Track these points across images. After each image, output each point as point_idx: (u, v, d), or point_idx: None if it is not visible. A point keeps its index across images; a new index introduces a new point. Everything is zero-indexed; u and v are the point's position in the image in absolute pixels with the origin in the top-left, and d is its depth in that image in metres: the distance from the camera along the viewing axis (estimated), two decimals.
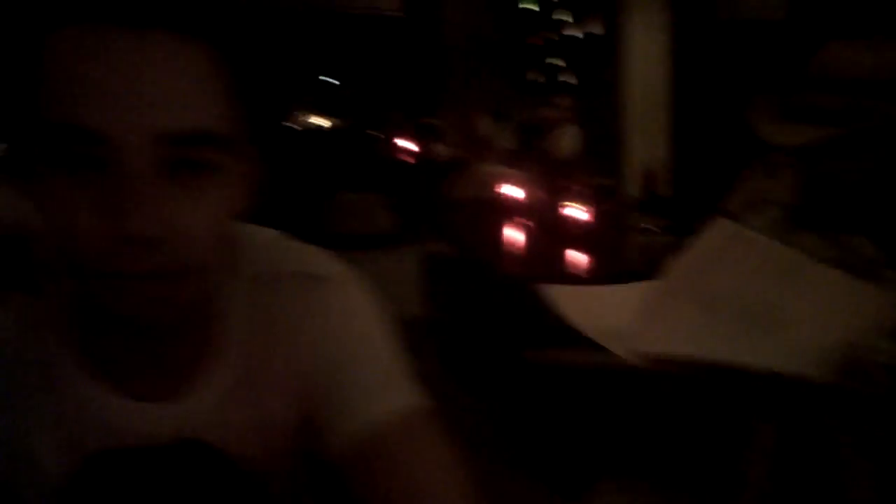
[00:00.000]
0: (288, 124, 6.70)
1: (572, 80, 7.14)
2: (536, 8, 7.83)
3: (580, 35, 6.99)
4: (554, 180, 3.15)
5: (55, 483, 0.75)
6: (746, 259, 1.46)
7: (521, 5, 7.90)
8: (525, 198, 3.13)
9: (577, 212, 2.80)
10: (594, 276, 2.65)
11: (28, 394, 0.74)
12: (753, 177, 3.17)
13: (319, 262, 0.84)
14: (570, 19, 7.13)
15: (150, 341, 0.74)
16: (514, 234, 3.06)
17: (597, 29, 6.71)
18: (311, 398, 0.80)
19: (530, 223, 3.08)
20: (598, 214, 2.90)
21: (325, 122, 7.12)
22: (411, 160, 6.11)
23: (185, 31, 0.64)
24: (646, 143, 6.11)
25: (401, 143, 6.19)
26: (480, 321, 2.58)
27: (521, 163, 4.75)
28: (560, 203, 2.93)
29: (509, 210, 3.17)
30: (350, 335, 0.80)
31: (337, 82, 9.17)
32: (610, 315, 1.38)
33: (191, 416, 0.77)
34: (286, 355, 0.80)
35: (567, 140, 5.73)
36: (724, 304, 1.39)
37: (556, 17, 7.41)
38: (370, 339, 0.81)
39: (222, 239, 0.69)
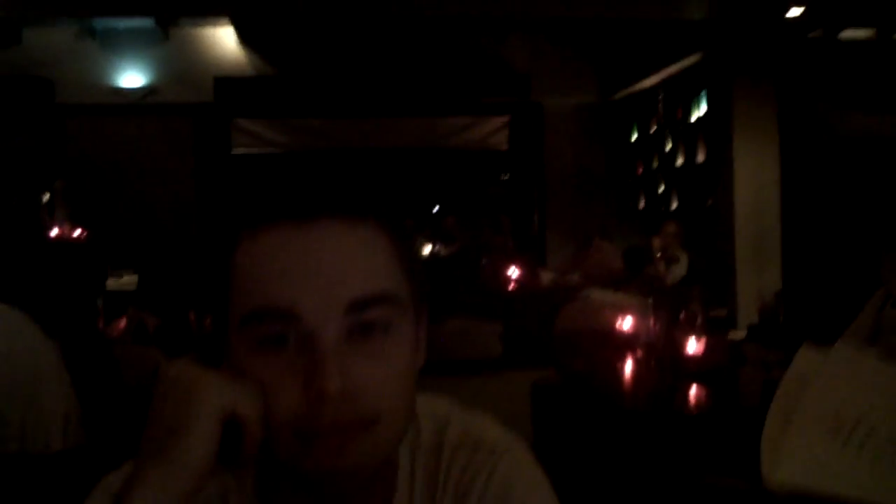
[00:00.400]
0: None
1: (675, 207, 7.18)
2: (633, 137, 8.01)
3: (680, 163, 7.08)
4: (665, 310, 3.13)
5: None
6: (871, 386, 1.46)
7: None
8: (636, 328, 3.13)
9: (689, 344, 2.77)
10: (707, 411, 2.59)
11: None
12: (877, 305, 3.08)
13: (484, 430, 0.87)
14: (669, 147, 7.26)
15: (332, 501, 0.79)
16: (624, 365, 3.04)
17: (699, 156, 6.78)
18: None
19: (641, 354, 3.06)
20: (711, 347, 2.86)
21: (428, 248, 7.30)
22: (516, 286, 6.16)
23: (351, 213, 0.74)
24: (757, 269, 6.01)
25: (505, 268, 6.27)
26: (589, 451, 2.54)
27: (629, 289, 4.74)
28: (672, 335, 2.91)
29: (620, 341, 3.16)
30: (512, 502, 0.81)
31: (436, 207, 9.53)
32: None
33: None
34: None
35: (674, 267, 5.71)
36: (856, 433, 1.38)
37: (655, 145, 7.57)
38: None
39: (402, 393, 0.75)
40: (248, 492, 0.81)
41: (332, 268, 0.71)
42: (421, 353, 0.79)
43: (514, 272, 6.23)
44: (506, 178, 9.10)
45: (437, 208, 9.63)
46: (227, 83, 7.67)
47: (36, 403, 1.93)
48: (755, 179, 6.18)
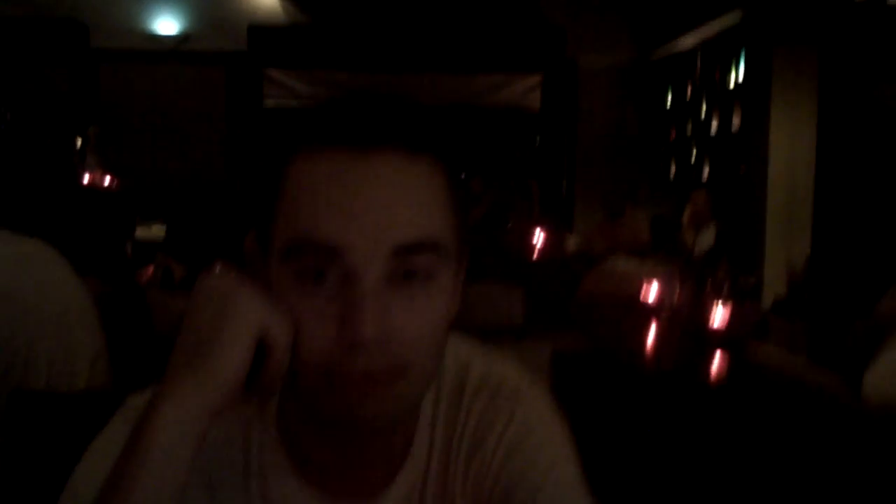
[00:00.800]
0: None
1: (707, 176, 7.09)
2: (668, 101, 7.89)
3: (714, 129, 6.97)
4: (691, 278, 3.11)
5: None
6: None
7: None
8: (662, 294, 3.11)
9: (716, 310, 2.75)
10: (729, 380, 2.58)
11: (236, 485, 0.80)
12: None
13: (505, 375, 0.86)
14: (704, 113, 7.14)
15: (353, 443, 0.79)
16: (648, 332, 3.03)
17: (735, 123, 6.66)
18: None
19: (667, 320, 3.04)
20: (737, 313, 2.84)
21: None
22: (541, 252, 6.14)
23: (411, 148, 0.70)
24: (787, 239, 5.93)
25: (530, 233, 6.25)
26: (609, 418, 2.54)
27: (656, 258, 4.70)
28: (697, 302, 2.89)
29: (646, 307, 3.15)
30: (530, 446, 0.81)
31: (463, 174, 9.48)
32: None
33: None
34: (468, 462, 0.82)
35: (703, 235, 5.65)
36: None
37: (690, 110, 7.45)
38: (549, 451, 0.81)
39: (435, 343, 0.73)
40: (269, 423, 0.81)
41: (383, 207, 0.67)
42: (456, 302, 0.76)
43: (539, 237, 6.19)
44: (536, 143, 9.02)
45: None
46: (260, 32, 7.63)
47: (64, 340, 1.95)
48: (790, 149, 6.06)
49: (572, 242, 6.40)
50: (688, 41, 7.28)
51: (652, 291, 3.14)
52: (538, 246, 6.14)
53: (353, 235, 0.67)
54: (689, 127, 7.52)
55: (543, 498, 0.78)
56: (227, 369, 0.67)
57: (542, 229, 6.23)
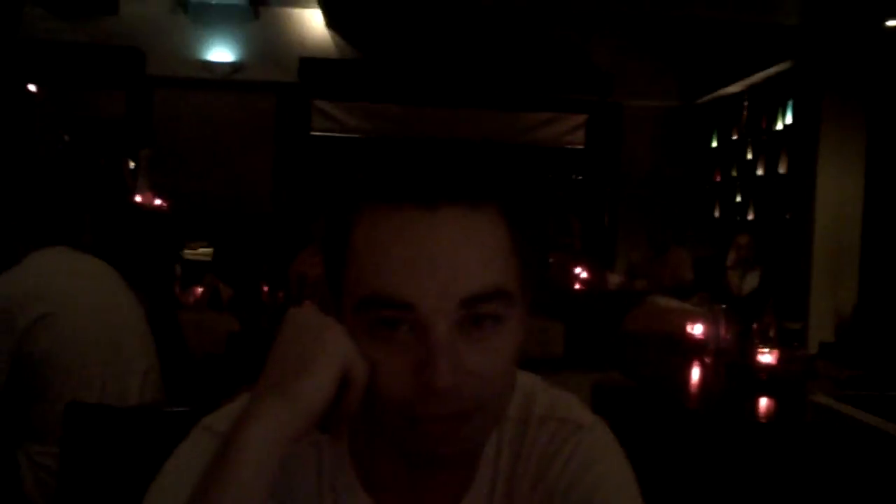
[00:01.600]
0: None
1: (751, 218, 7.03)
2: (713, 143, 7.86)
3: (760, 173, 6.91)
4: (737, 318, 3.08)
5: None
6: None
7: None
8: (706, 334, 3.08)
9: (761, 355, 2.72)
10: (776, 422, 2.54)
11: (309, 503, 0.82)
12: None
13: (569, 408, 0.88)
14: (750, 157, 7.09)
15: (424, 473, 0.81)
16: (692, 370, 3.00)
17: (781, 167, 6.61)
18: None
19: (710, 361, 3.01)
20: (782, 359, 2.80)
21: None
22: (582, 286, 6.13)
23: (475, 199, 0.72)
24: (833, 284, 5.84)
25: (571, 268, 6.24)
26: (649, 455, 2.52)
27: (700, 297, 4.67)
28: (744, 342, 2.86)
29: (688, 347, 3.12)
30: (591, 481, 0.82)
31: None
32: None
33: None
34: (531, 492, 0.84)
35: (748, 278, 5.59)
36: None
37: (735, 153, 7.40)
38: (612, 483, 0.82)
39: (507, 380, 0.75)
40: (341, 446, 0.83)
41: (450, 260, 0.70)
42: (524, 338, 0.77)
43: (580, 273, 6.19)
44: (579, 178, 9.02)
45: None
46: (311, 64, 7.78)
47: (118, 356, 2.00)
48: (837, 195, 5.99)
49: (614, 279, 6.38)
50: (734, 87, 7.28)
51: (697, 330, 3.11)
52: (579, 281, 6.14)
53: (422, 291, 0.69)
54: (734, 170, 7.48)
55: None
56: (315, 396, 0.70)
57: (582, 265, 6.23)
